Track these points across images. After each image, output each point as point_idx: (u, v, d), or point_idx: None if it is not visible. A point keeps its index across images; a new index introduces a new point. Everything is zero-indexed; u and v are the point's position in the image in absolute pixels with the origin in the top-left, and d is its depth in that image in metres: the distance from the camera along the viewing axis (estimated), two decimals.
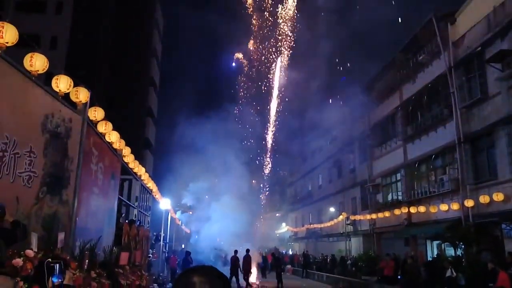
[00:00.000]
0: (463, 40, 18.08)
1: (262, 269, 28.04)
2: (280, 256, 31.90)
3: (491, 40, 16.05)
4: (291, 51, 41.88)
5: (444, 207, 18.51)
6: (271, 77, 42.61)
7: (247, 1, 41.45)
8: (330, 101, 33.88)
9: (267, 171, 44.55)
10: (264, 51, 42.38)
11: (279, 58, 42.56)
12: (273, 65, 43.69)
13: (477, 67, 17.28)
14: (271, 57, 43.13)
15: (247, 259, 20.22)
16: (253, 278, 23.63)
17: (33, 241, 5.22)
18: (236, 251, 20.16)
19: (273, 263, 27.71)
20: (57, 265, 3.40)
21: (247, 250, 20.46)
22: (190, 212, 38.09)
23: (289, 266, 35.59)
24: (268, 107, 43.44)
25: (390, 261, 18.56)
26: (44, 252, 5.17)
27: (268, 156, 42.57)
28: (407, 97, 22.70)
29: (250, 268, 20.20)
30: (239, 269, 19.61)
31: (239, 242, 24.88)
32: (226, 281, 1.43)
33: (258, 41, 42.95)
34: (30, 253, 4.80)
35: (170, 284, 17.97)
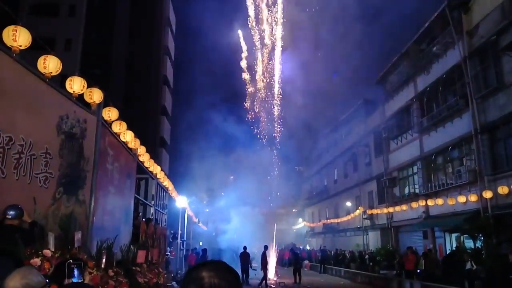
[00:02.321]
0: (477, 29, 17.76)
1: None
2: (298, 252, 31.85)
3: (506, 28, 15.74)
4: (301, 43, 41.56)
5: (462, 199, 18.27)
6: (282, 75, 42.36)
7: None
8: (344, 94, 33.66)
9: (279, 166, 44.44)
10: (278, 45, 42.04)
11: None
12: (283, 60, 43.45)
13: (492, 56, 16.99)
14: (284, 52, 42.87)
15: (264, 256, 20.39)
16: (271, 274, 23.73)
17: (50, 241, 5.32)
18: (245, 247, 20.29)
19: (292, 258, 27.70)
20: (78, 266, 3.47)
21: (265, 247, 20.68)
22: (207, 210, 38.36)
23: (306, 262, 35.54)
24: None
25: (410, 255, 18.39)
26: (61, 252, 5.26)
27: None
28: (422, 89, 22.41)
29: (266, 264, 20.34)
30: (249, 265, 19.85)
31: (255, 238, 24.91)
32: (235, 275, 1.44)
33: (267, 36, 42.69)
34: (47, 252, 4.90)
35: None
